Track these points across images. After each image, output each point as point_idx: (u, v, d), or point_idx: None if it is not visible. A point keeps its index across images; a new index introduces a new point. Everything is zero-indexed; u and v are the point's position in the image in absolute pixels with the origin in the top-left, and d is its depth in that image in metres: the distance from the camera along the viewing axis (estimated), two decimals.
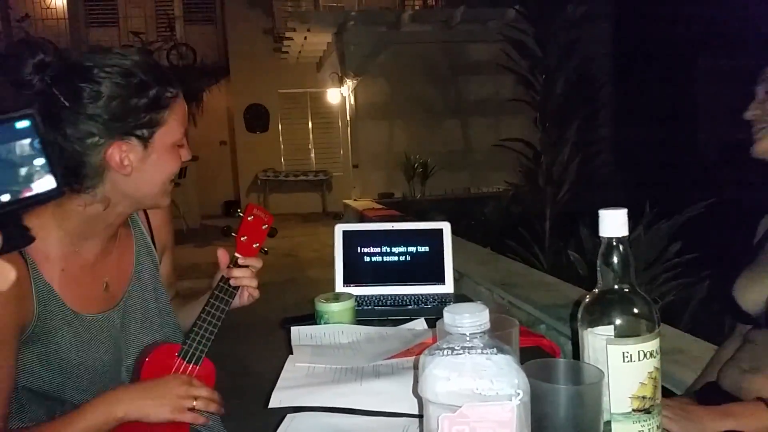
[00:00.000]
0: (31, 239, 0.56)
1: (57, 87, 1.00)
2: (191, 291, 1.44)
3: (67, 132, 1.01)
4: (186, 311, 1.35)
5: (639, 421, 0.75)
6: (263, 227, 1.31)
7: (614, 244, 0.77)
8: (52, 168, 0.52)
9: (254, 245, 1.29)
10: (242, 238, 1.28)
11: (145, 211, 1.30)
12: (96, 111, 1.01)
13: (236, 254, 1.27)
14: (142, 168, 1.08)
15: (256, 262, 1.29)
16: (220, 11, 12.04)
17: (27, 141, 0.51)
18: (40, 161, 0.52)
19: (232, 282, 1.25)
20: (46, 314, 1.06)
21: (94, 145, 1.03)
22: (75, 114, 1.01)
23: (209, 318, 1.22)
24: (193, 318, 1.25)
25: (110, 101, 1.02)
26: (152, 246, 1.29)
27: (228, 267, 1.27)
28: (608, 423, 0.76)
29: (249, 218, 1.30)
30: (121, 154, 1.05)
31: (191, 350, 1.19)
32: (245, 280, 1.27)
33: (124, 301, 1.20)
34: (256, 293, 1.31)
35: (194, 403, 1.10)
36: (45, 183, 0.52)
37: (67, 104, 1.00)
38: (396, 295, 1.62)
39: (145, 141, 1.07)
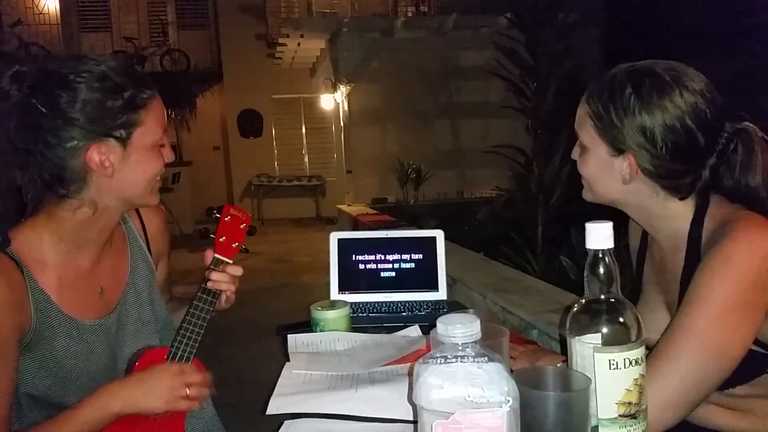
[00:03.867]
0: None
1: (35, 96, 1.03)
2: (185, 296, 1.44)
3: (47, 139, 1.04)
4: (179, 314, 1.36)
5: (625, 426, 0.78)
6: (241, 226, 1.31)
7: (600, 256, 0.80)
8: None
9: (233, 245, 1.29)
10: (221, 239, 1.28)
11: (140, 218, 1.32)
12: (73, 115, 1.05)
13: (216, 255, 1.27)
14: (123, 168, 1.10)
15: (235, 270, 1.28)
16: (213, 17, 12.05)
17: None
18: None
19: (209, 285, 1.25)
20: (43, 322, 1.08)
21: (74, 148, 1.06)
22: (53, 120, 1.04)
23: (194, 319, 1.23)
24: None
25: (86, 105, 1.05)
26: (147, 252, 1.31)
27: (209, 269, 1.27)
28: (596, 428, 0.78)
29: (226, 218, 1.30)
30: (101, 155, 1.07)
31: (179, 352, 1.20)
32: (223, 284, 1.26)
33: (119, 306, 1.22)
34: (232, 298, 1.31)
35: (187, 391, 1.12)
36: None
37: (44, 111, 1.03)
38: (390, 302, 1.65)
39: (123, 141, 1.09)
